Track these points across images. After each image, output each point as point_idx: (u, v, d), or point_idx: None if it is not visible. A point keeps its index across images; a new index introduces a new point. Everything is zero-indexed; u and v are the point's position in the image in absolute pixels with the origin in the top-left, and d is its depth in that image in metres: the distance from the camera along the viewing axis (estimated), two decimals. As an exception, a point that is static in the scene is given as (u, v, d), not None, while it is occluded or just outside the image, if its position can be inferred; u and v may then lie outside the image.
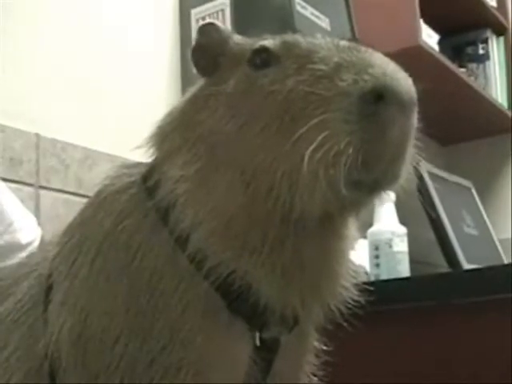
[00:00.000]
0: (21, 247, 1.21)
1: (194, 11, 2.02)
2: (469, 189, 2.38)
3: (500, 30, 3.15)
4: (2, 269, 1.07)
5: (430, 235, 1.93)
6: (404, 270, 1.73)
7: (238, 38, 0.85)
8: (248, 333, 0.78)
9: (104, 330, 0.77)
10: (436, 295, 1.43)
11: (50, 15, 1.68)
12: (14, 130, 1.53)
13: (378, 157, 0.68)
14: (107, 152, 1.72)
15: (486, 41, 3.12)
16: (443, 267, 1.90)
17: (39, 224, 1.32)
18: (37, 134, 1.58)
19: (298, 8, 1.90)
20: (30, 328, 0.85)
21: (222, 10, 1.95)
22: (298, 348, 0.85)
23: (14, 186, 1.46)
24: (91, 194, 0.88)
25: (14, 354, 0.84)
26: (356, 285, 0.85)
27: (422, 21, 2.50)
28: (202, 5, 2.01)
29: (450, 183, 2.19)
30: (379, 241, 1.74)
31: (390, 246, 1.73)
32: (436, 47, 2.67)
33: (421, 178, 1.85)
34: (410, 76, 0.71)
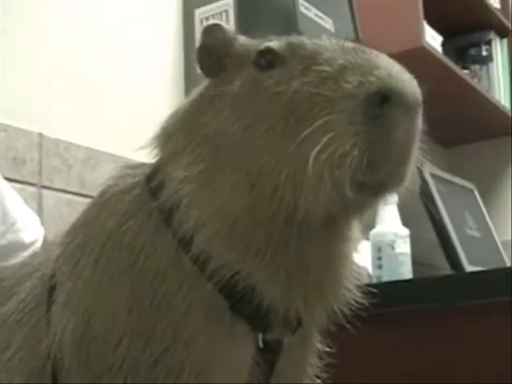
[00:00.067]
0: (24, 247, 1.22)
1: (197, 11, 2.02)
2: (471, 191, 2.37)
3: (503, 32, 3.15)
4: (5, 268, 1.07)
5: (433, 237, 1.93)
6: (406, 272, 1.72)
7: (242, 39, 0.84)
8: (251, 334, 0.78)
9: (107, 331, 0.77)
10: (439, 297, 1.43)
11: (50, 15, 1.68)
12: (17, 129, 1.54)
13: (383, 159, 0.68)
14: (110, 152, 1.72)
15: (489, 42, 3.12)
16: (445, 269, 1.89)
17: (42, 224, 1.32)
18: (40, 134, 1.58)
19: (302, 9, 1.90)
20: (32, 328, 0.85)
21: (226, 11, 1.95)
22: (301, 350, 0.85)
23: (16, 185, 1.45)
24: (94, 194, 0.88)
25: (16, 355, 0.84)
26: (359, 287, 0.85)
27: (425, 22, 2.50)
28: (206, 5, 2.01)
29: (452, 185, 2.18)
30: (382, 242, 1.73)
31: (393, 248, 1.72)
32: (439, 49, 2.67)
33: (423, 179, 1.85)
34: (414, 78, 0.71)
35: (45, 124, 1.60)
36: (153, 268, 0.77)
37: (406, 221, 1.78)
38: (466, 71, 2.95)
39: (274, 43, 0.79)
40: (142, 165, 0.87)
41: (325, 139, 0.67)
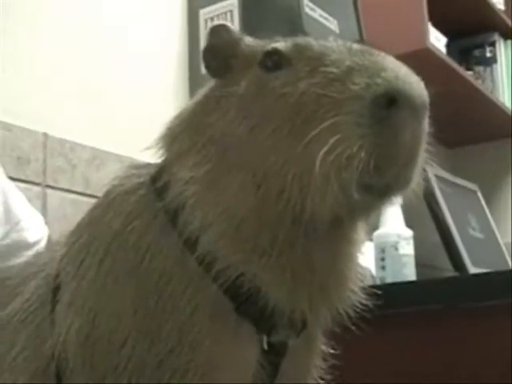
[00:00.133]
0: (28, 246, 1.22)
1: (202, 11, 2.02)
2: (474, 192, 2.37)
3: (507, 34, 3.15)
4: (10, 268, 1.07)
5: (436, 238, 1.93)
6: (410, 273, 1.72)
7: (248, 40, 0.84)
8: (256, 336, 0.78)
9: (112, 331, 0.77)
10: (442, 299, 1.43)
11: (50, 15, 1.67)
12: (21, 129, 1.54)
13: (390, 161, 0.68)
14: (115, 152, 1.72)
15: (493, 44, 3.12)
16: (449, 270, 1.90)
17: (46, 224, 1.32)
18: (45, 134, 1.58)
19: (307, 10, 1.90)
20: (37, 328, 0.85)
21: (231, 11, 1.95)
22: (306, 352, 0.85)
23: (21, 185, 1.46)
24: (99, 194, 0.88)
25: (21, 354, 0.84)
26: (363, 288, 0.85)
27: (429, 23, 2.50)
28: (211, 5, 2.01)
29: (455, 186, 2.18)
30: (385, 243, 1.73)
31: (396, 249, 1.72)
32: (444, 50, 2.68)
33: (427, 180, 1.85)
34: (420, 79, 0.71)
35: (49, 124, 1.60)
36: (158, 268, 0.77)
37: (409, 222, 1.78)
38: (469, 72, 2.95)
39: (281, 44, 0.78)
40: (148, 165, 0.87)
41: (332, 141, 0.67)
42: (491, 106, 2.94)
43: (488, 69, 3.13)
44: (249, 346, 0.78)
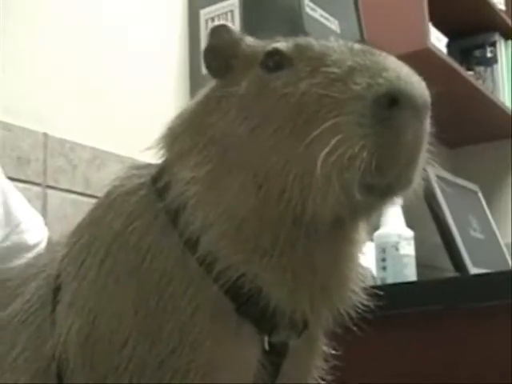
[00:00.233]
0: (28, 248, 1.21)
1: (202, 11, 2.02)
2: (475, 192, 2.37)
3: (508, 34, 3.15)
4: (11, 269, 1.07)
5: (437, 239, 1.93)
6: (410, 274, 1.72)
7: (249, 40, 0.84)
8: (257, 336, 0.78)
9: (113, 332, 0.77)
10: (443, 299, 1.43)
11: (50, 15, 1.67)
12: (21, 129, 1.54)
13: (391, 161, 0.68)
14: (115, 152, 1.72)
15: (494, 44, 3.12)
16: (449, 271, 1.89)
17: (46, 224, 1.32)
18: (45, 134, 1.58)
19: (308, 10, 1.90)
20: (37, 329, 0.85)
21: (231, 11, 1.95)
22: (307, 352, 0.85)
23: (21, 185, 1.46)
24: (99, 194, 0.88)
25: (21, 355, 0.84)
26: (364, 289, 0.84)
27: (430, 24, 2.50)
28: (211, 5, 2.01)
29: (456, 187, 2.18)
30: (386, 244, 1.73)
31: (397, 249, 1.72)
32: (444, 50, 2.68)
33: (428, 180, 1.85)
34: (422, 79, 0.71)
35: (50, 124, 1.60)
36: (159, 269, 0.76)
37: (410, 222, 1.78)
38: (470, 73, 2.95)
39: (282, 44, 0.78)
40: (148, 165, 0.86)
41: (333, 141, 0.67)
42: (492, 107, 2.94)
43: (488, 69, 3.13)
44: (250, 347, 0.78)
